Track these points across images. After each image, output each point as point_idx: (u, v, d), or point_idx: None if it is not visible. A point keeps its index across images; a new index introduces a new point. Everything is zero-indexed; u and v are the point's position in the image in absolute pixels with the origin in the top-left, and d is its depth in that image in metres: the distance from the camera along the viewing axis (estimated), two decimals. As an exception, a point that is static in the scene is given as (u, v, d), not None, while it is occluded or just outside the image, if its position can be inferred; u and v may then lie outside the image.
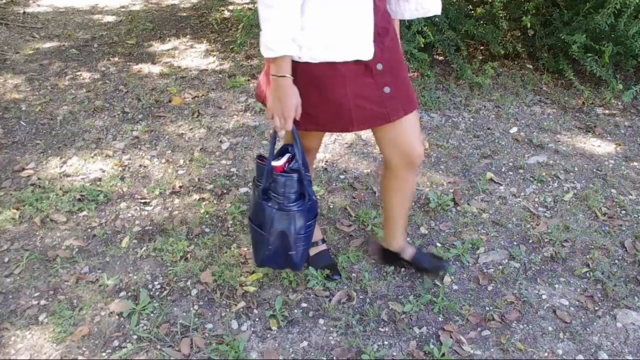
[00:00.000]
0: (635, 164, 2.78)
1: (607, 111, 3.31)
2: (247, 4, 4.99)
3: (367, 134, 2.97)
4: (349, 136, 2.95)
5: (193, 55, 4.04)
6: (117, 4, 5.44)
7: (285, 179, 1.59)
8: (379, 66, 1.54)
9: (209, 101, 3.34)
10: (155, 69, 3.80)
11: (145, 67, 3.83)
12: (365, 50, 1.49)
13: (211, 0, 5.40)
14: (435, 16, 3.34)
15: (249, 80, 3.59)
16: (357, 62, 1.50)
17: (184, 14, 5.09)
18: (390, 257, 2.04)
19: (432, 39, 3.27)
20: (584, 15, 3.32)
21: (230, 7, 5.09)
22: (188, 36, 4.45)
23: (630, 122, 3.19)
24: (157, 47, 4.23)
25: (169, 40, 4.38)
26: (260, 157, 1.67)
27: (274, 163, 1.61)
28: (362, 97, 1.55)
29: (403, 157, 1.70)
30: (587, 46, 3.26)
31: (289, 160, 1.63)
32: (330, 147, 2.86)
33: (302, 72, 1.49)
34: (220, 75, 3.69)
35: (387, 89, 1.56)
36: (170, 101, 3.33)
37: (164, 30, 4.64)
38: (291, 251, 1.67)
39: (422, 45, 3.22)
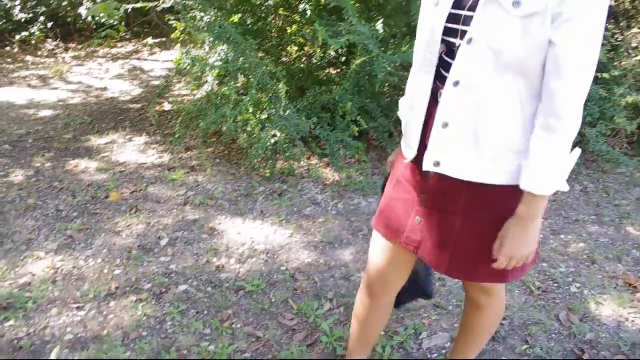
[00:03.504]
0: (562, 237, 2.92)
1: (533, 188, 3.49)
2: (187, 96, 5.10)
3: (307, 223, 3.01)
4: (289, 226, 2.98)
5: (132, 149, 4.04)
6: (55, 98, 5.43)
7: None
8: (423, 197, 1.41)
9: (147, 196, 3.31)
10: (93, 164, 3.76)
11: (82, 163, 3.79)
12: (407, 148, 1.42)
13: (151, 94, 5.48)
14: (368, 104, 3.53)
15: (188, 173, 3.61)
16: (412, 169, 1.42)
17: (124, 107, 5.12)
18: None
19: (366, 126, 3.41)
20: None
21: (171, 100, 5.18)
22: (127, 129, 4.47)
23: (555, 197, 3.37)
24: (95, 141, 4.21)
25: (107, 134, 4.37)
26: None
27: None
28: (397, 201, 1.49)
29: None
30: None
31: None
32: (271, 237, 2.87)
33: None
34: (159, 169, 3.69)
35: (418, 219, 1.44)
36: (107, 197, 3.29)
37: (102, 124, 4.64)
38: None
39: (358, 134, 3.36)
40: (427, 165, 1.33)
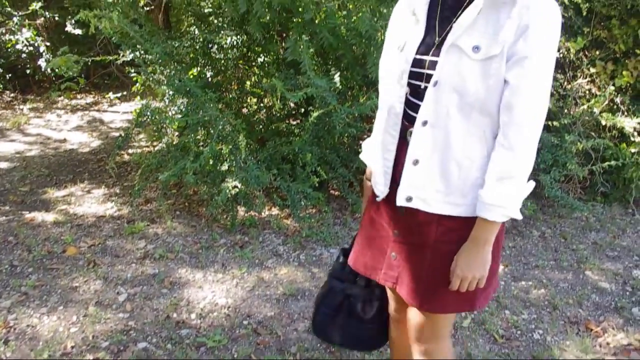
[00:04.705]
0: (522, 283, 2.96)
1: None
2: (147, 147, 5.07)
3: (269, 275, 2.98)
4: (251, 278, 2.94)
5: (90, 201, 3.96)
6: (12, 150, 5.32)
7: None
8: (396, 232, 1.47)
9: (105, 249, 3.23)
10: (50, 217, 3.67)
11: (39, 216, 3.69)
12: (379, 186, 1.48)
13: (110, 145, 5.42)
14: (327, 155, 3.57)
15: (148, 225, 3.55)
16: (384, 206, 1.49)
17: (82, 159, 5.05)
18: None
19: (326, 177, 3.44)
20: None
21: (130, 151, 5.13)
22: (86, 181, 4.39)
23: (514, 243, 3.44)
24: (53, 193, 4.12)
25: (65, 186, 4.29)
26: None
27: None
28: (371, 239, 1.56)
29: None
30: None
31: None
32: (233, 291, 2.83)
33: None
34: (118, 222, 3.62)
35: (393, 255, 1.50)
36: (64, 251, 3.19)
37: (60, 175, 4.55)
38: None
39: (318, 184, 3.38)
40: (400, 201, 1.39)
